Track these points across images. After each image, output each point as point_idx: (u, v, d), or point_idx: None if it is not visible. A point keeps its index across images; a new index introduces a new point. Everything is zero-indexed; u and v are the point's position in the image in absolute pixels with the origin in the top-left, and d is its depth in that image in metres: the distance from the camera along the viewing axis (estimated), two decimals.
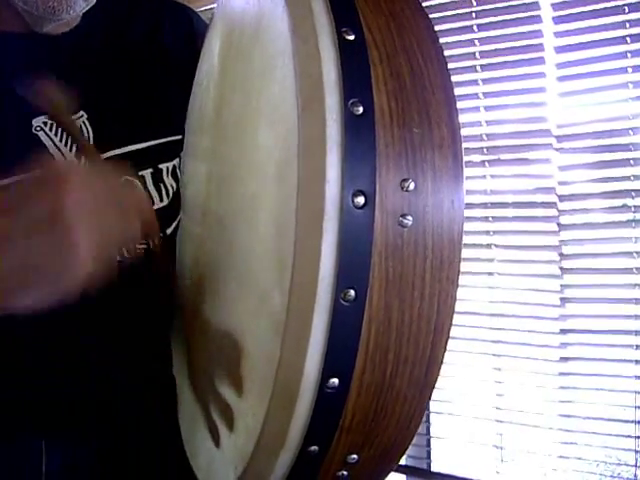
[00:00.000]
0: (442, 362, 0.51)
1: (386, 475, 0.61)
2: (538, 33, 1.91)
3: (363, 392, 0.49)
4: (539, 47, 1.92)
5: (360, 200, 0.44)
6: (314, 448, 0.51)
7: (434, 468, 2.16)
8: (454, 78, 1.80)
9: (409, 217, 0.45)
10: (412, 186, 0.45)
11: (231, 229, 0.66)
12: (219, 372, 0.66)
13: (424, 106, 0.47)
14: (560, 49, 1.88)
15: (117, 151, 0.80)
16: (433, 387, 0.53)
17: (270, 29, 0.55)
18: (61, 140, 0.77)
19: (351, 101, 0.45)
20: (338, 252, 0.44)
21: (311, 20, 0.47)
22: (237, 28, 0.69)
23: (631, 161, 1.82)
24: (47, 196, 0.52)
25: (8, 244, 0.51)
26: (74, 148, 0.77)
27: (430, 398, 0.53)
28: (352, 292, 0.45)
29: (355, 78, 0.46)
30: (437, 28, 1.73)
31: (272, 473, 0.52)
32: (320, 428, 0.50)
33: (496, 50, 1.98)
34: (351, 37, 0.47)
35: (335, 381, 0.47)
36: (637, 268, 1.82)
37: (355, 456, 0.53)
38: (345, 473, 0.54)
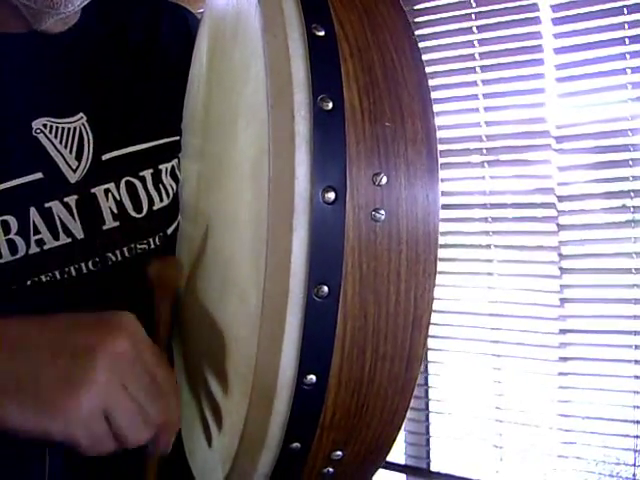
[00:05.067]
0: (423, 357, 0.51)
1: (374, 471, 0.60)
2: (537, 34, 1.92)
3: (342, 388, 0.49)
4: (538, 48, 1.92)
5: (330, 196, 0.44)
6: (296, 445, 0.50)
7: (433, 468, 2.17)
8: (454, 79, 1.80)
9: (382, 211, 0.45)
10: (384, 180, 0.45)
11: (216, 228, 0.67)
12: (209, 371, 0.66)
13: (397, 101, 0.47)
14: (559, 50, 1.89)
15: (117, 152, 0.80)
16: (415, 382, 0.52)
17: (246, 27, 0.55)
18: (61, 142, 0.77)
19: (320, 97, 0.44)
20: (309, 248, 0.44)
21: (281, 17, 0.47)
22: (220, 27, 0.69)
23: (630, 162, 1.82)
24: (95, 333, 0.53)
25: (33, 354, 0.52)
26: (74, 150, 0.78)
27: (413, 393, 0.53)
28: (325, 288, 0.45)
29: (325, 74, 0.45)
30: (437, 29, 1.73)
31: (256, 471, 0.52)
32: (300, 425, 0.49)
33: (495, 51, 1.98)
34: (321, 33, 0.46)
35: (312, 378, 0.47)
36: (636, 268, 1.82)
37: (339, 453, 0.53)
38: (331, 470, 0.54)
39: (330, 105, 0.45)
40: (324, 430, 0.50)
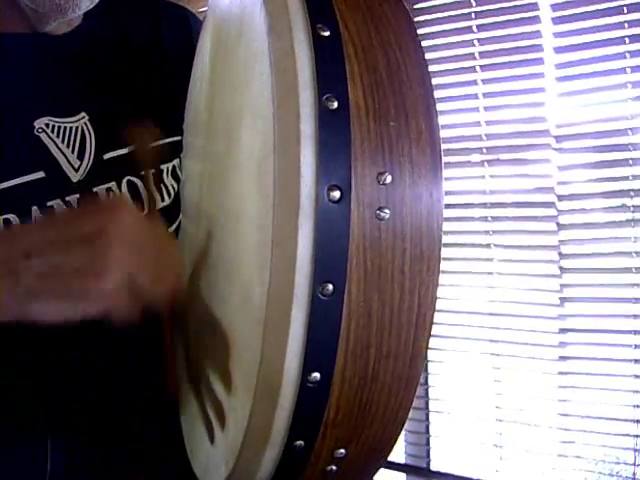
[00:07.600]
0: (426, 355, 0.52)
1: (377, 470, 0.61)
2: (537, 34, 1.91)
3: (346, 386, 0.49)
4: (538, 47, 1.91)
5: (336, 194, 0.44)
6: (300, 443, 0.51)
7: (433, 467, 2.16)
8: (454, 78, 1.79)
9: (386, 210, 0.46)
10: (389, 179, 0.46)
11: (220, 228, 0.67)
12: (212, 369, 0.66)
13: (401, 100, 0.48)
14: (559, 49, 1.88)
15: (119, 152, 0.81)
16: (418, 380, 0.53)
17: (251, 27, 0.56)
18: (63, 141, 0.77)
19: (326, 96, 0.45)
20: (314, 246, 0.44)
21: (286, 17, 0.48)
22: (224, 27, 0.69)
23: (630, 161, 1.82)
24: (97, 217, 0.55)
25: (48, 251, 0.53)
26: (76, 149, 0.78)
27: (416, 391, 0.53)
28: (330, 286, 0.45)
29: (330, 73, 0.46)
30: (437, 28, 1.72)
31: (260, 468, 0.52)
32: (304, 422, 0.50)
33: (495, 50, 1.98)
34: (326, 33, 0.47)
35: (317, 375, 0.47)
36: (636, 268, 1.81)
37: (343, 451, 0.53)
38: (334, 468, 0.54)
39: (335, 104, 0.45)
40: (328, 428, 0.51)
